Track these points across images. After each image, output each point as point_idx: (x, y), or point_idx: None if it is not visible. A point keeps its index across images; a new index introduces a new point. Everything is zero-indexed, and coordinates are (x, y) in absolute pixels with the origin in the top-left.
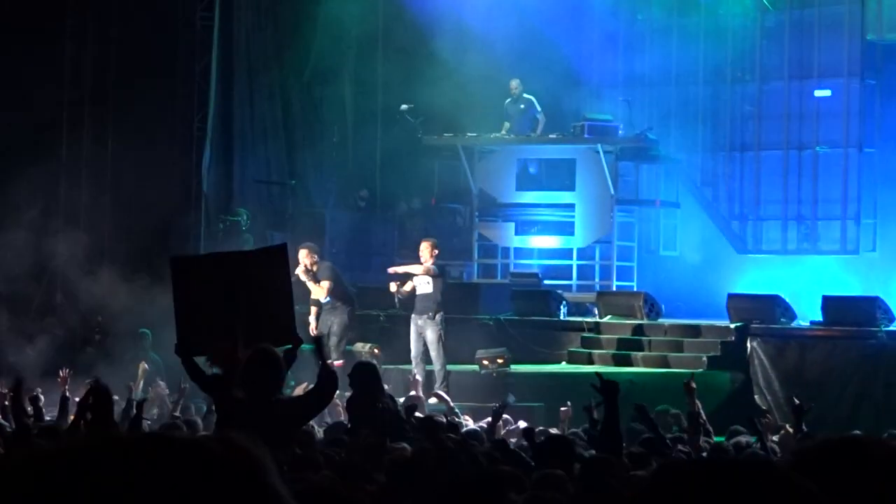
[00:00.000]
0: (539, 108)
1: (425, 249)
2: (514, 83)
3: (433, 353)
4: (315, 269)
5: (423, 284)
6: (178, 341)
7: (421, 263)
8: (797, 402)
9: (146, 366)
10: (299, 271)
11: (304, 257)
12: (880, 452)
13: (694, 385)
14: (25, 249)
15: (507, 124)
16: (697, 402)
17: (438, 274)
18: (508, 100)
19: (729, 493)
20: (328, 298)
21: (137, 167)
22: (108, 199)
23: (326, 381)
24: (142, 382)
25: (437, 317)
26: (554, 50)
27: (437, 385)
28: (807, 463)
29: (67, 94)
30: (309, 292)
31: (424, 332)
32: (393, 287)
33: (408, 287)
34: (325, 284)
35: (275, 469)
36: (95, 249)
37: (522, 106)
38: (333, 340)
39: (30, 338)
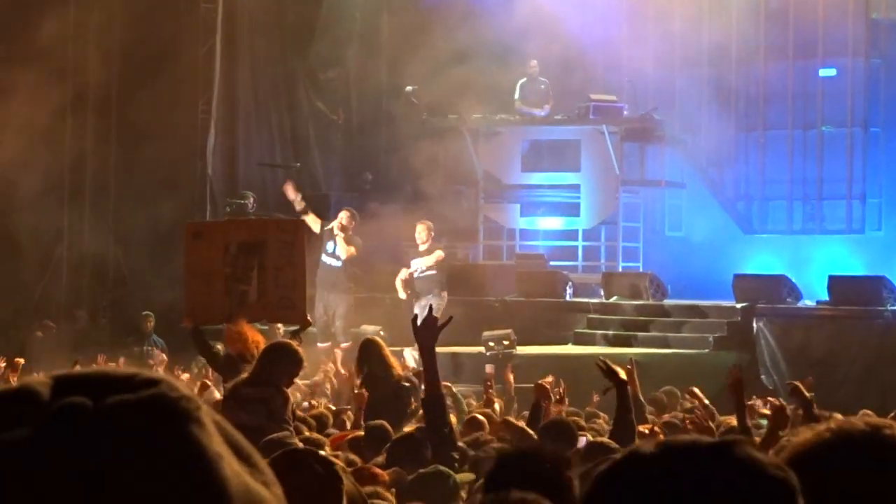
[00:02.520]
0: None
1: (422, 232)
2: (533, 63)
3: None
4: (349, 232)
5: (424, 267)
6: (186, 314)
7: (419, 248)
8: (796, 383)
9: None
10: (335, 225)
11: (345, 217)
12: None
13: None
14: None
15: (518, 103)
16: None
17: (444, 257)
18: (524, 79)
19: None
20: (338, 262)
21: (142, 151)
22: (113, 183)
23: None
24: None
25: (444, 294)
26: (559, 30)
27: None
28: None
29: (71, 77)
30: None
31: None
32: (403, 294)
33: (405, 275)
34: (352, 249)
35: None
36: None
37: (543, 87)
38: (339, 323)
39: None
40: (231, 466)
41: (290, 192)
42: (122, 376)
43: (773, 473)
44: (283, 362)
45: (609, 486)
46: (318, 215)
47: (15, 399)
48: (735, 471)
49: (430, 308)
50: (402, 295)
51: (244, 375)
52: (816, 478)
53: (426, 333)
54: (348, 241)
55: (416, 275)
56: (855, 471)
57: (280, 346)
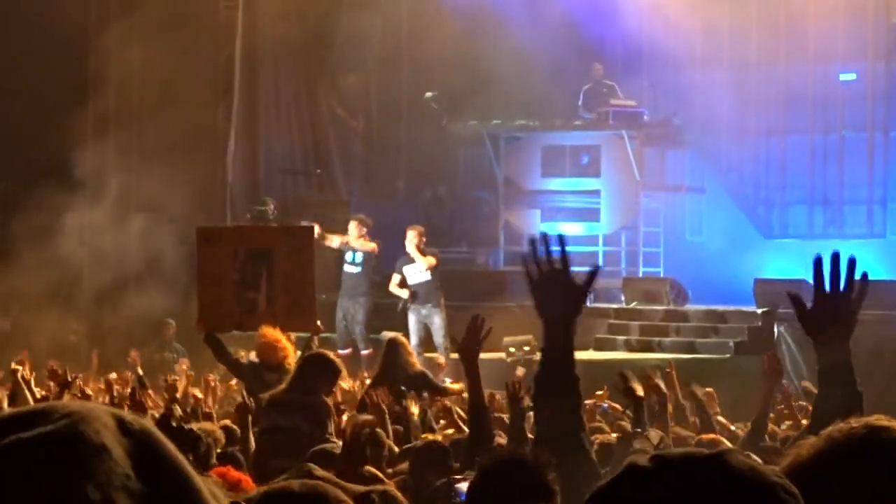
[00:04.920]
0: (620, 94)
1: (414, 238)
2: (598, 66)
3: (440, 339)
4: (364, 235)
5: (418, 273)
6: (198, 319)
7: (411, 256)
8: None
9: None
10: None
11: (354, 228)
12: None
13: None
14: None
15: (581, 109)
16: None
17: (436, 263)
18: (588, 85)
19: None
20: (359, 269)
21: (163, 158)
22: (134, 188)
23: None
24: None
25: (441, 301)
26: (579, 34)
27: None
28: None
29: (91, 79)
30: (333, 278)
31: (430, 319)
32: (405, 293)
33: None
34: (431, 260)
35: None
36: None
37: (605, 90)
38: (359, 329)
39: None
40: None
41: (354, 230)
42: (27, 414)
43: (770, 481)
44: (323, 371)
45: (608, 500)
46: (335, 232)
47: None
48: (732, 480)
49: (475, 320)
50: (405, 294)
51: (283, 386)
52: (816, 487)
53: (469, 346)
54: (424, 254)
55: (409, 281)
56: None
57: (319, 356)
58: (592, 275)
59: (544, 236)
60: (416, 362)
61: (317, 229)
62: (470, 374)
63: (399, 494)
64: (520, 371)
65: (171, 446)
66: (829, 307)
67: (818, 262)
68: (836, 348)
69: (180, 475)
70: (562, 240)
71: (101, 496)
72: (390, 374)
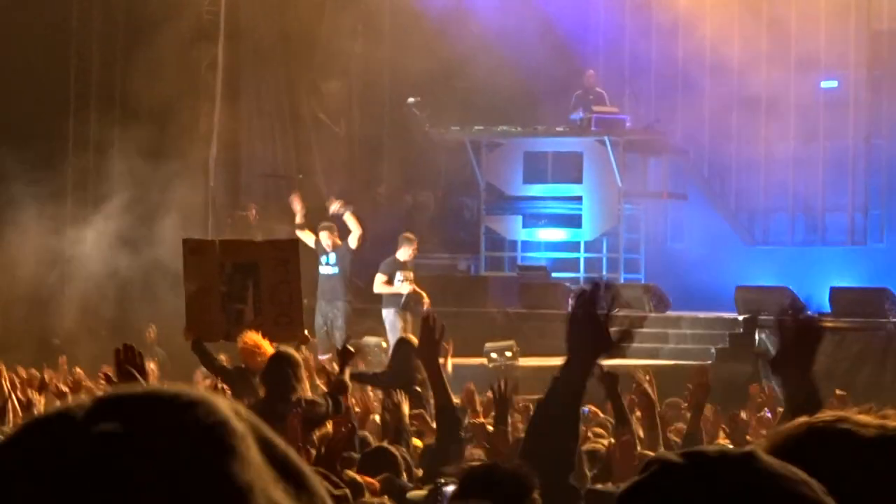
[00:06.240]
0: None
1: (413, 249)
2: (590, 72)
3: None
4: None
5: (398, 283)
6: (186, 326)
7: (403, 262)
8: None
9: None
10: (336, 212)
11: (338, 204)
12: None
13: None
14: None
15: (575, 113)
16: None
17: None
18: (579, 91)
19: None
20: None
21: (144, 161)
22: (115, 194)
23: (339, 389)
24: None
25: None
26: (561, 41)
27: None
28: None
29: (73, 86)
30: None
31: (405, 322)
32: (407, 287)
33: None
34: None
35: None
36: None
37: (591, 97)
38: (338, 334)
39: None
40: (264, 496)
41: (296, 204)
42: (166, 397)
43: (801, 478)
44: (288, 367)
45: (642, 496)
46: (313, 230)
47: (49, 425)
48: (767, 477)
49: (427, 321)
50: (406, 288)
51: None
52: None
53: (427, 348)
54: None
55: (396, 283)
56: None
57: (278, 356)
58: (627, 334)
59: (602, 283)
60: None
61: (296, 203)
62: (433, 377)
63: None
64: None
65: (274, 434)
66: (791, 354)
67: (780, 319)
68: (800, 385)
69: (291, 461)
70: (613, 293)
71: (248, 480)
72: (400, 375)
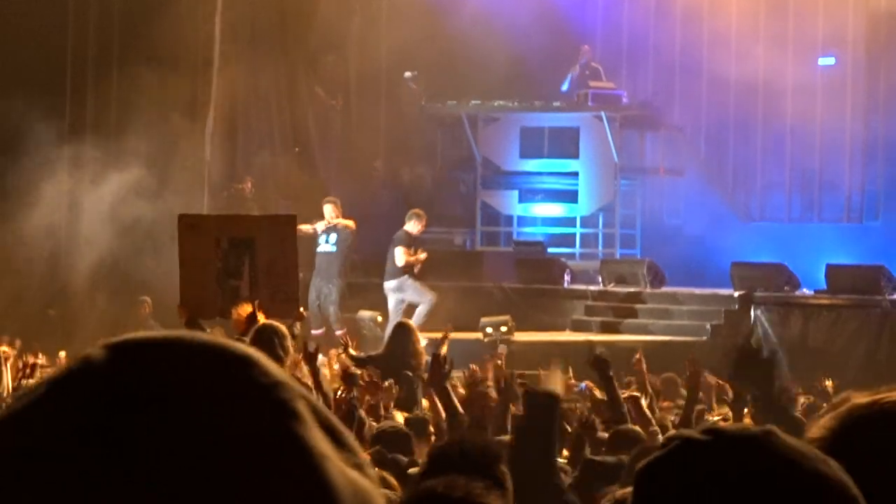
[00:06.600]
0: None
1: (423, 224)
2: (585, 48)
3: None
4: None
5: (401, 255)
6: (181, 304)
7: (414, 235)
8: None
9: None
10: (328, 219)
11: (332, 211)
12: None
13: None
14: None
15: (566, 87)
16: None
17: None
18: (575, 67)
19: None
20: (333, 248)
21: (142, 136)
22: (113, 166)
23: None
24: None
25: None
26: (559, 17)
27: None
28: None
29: (71, 55)
30: (306, 256)
31: (405, 293)
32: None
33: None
34: (351, 224)
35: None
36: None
37: (587, 72)
38: (332, 309)
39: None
40: (336, 466)
41: (331, 212)
42: (208, 349)
43: (821, 457)
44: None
45: (664, 472)
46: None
47: (70, 380)
48: (788, 455)
49: (438, 358)
50: (422, 256)
51: None
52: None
53: (438, 381)
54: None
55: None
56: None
57: (264, 328)
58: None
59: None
60: (424, 350)
61: (332, 211)
62: (444, 402)
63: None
64: (502, 349)
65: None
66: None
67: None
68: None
69: (332, 421)
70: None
71: (320, 446)
72: (396, 359)
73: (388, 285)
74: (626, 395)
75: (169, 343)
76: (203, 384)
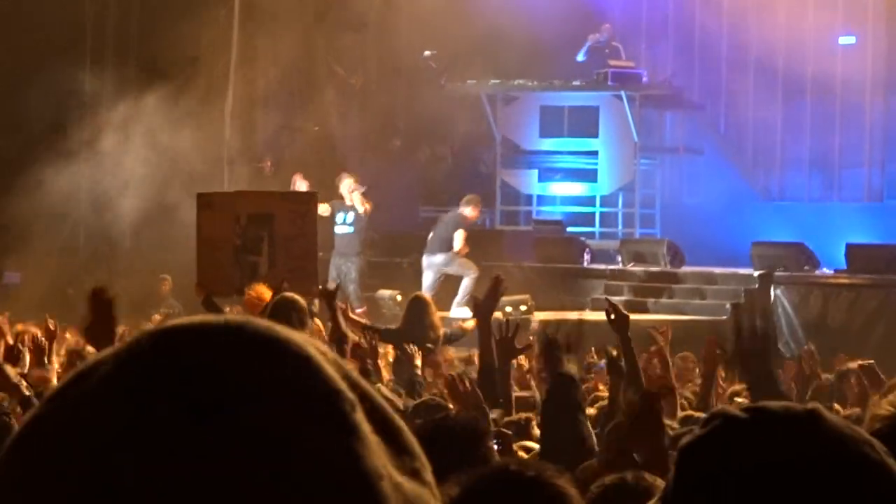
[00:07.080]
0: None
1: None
2: (606, 26)
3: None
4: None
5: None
6: (198, 282)
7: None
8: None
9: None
10: (345, 191)
11: (352, 184)
12: None
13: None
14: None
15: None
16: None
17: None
18: (594, 41)
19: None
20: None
21: (162, 114)
22: (133, 146)
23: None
24: None
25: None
26: None
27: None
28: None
29: (90, 41)
30: (325, 236)
31: (451, 266)
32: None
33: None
34: (368, 206)
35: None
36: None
37: (608, 50)
38: (352, 287)
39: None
40: (390, 484)
41: (351, 186)
42: (270, 344)
43: (864, 437)
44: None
45: (704, 449)
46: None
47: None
48: (832, 433)
49: (497, 281)
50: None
51: None
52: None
53: (487, 306)
54: (365, 198)
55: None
56: None
57: (282, 301)
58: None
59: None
60: (441, 324)
61: (351, 185)
62: (483, 335)
63: None
64: (535, 324)
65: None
66: (746, 350)
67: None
68: (759, 374)
69: (390, 419)
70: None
71: (374, 465)
72: (413, 332)
73: (435, 259)
74: (652, 349)
75: (233, 330)
76: (267, 389)
